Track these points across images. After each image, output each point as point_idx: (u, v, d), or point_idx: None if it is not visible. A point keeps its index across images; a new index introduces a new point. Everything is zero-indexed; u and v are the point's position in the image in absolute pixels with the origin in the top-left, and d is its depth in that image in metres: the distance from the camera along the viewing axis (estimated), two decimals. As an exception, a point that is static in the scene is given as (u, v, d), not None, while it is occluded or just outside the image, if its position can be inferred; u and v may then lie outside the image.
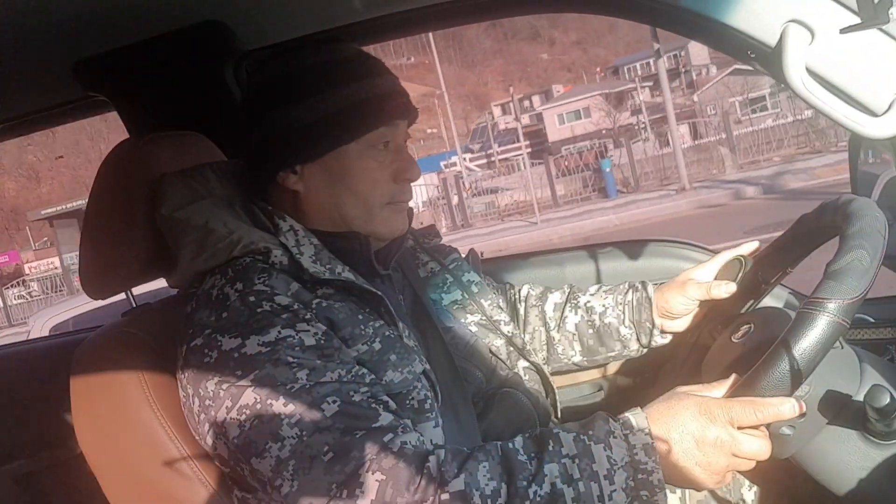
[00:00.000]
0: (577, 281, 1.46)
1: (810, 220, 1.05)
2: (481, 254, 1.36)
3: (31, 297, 23.59)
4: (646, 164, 17.27)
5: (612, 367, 1.52)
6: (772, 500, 1.16)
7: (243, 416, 0.84)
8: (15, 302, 22.34)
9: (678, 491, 1.17)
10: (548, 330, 1.30)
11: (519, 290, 1.36)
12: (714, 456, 0.84)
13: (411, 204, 1.09)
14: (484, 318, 1.21)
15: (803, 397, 0.90)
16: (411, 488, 0.80)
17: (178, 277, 1.01)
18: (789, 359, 0.82)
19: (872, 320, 1.27)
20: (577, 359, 1.31)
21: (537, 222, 14.32)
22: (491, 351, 1.18)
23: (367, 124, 0.98)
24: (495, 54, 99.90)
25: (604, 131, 38.98)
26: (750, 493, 1.17)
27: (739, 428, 0.84)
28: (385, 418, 0.85)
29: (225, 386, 0.85)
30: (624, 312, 1.25)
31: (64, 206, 22.87)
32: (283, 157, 0.99)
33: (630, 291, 1.25)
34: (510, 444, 0.87)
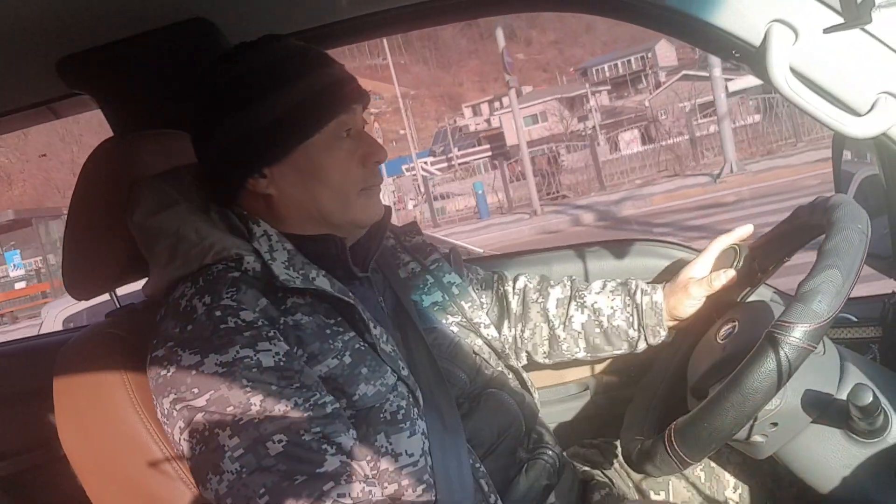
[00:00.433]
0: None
1: (804, 215, 1.06)
2: (482, 251, 1.36)
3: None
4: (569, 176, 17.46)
5: (599, 366, 1.52)
6: (757, 501, 1.17)
7: (194, 440, 0.85)
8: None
9: (661, 493, 1.17)
10: (552, 328, 1.30)
11: (514, 282, 1.35)
12: None
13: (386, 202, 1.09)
14: (464, 319, 1.20)
15: (773, 410, 0.91)
16: None
17: (151, 286, 1.00)
18: (752, 381, 0.83)
19: (855, 319, 1.28)
20: (581, 355, 1.31)
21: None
22: (474, 351, 1.18)
23: (327, 114, 0.97)
24: (471, 54, 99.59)
25: (558, 136, 38.88)
26: (735, 493, 1.17)
27: None
28: (331, 463, 0.84)
29: (179, 406, 0.86)
30: (633, 316, 1.25)
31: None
32: (249, 163, 0.97)
33: (639, 293, 1.25)
34: None
